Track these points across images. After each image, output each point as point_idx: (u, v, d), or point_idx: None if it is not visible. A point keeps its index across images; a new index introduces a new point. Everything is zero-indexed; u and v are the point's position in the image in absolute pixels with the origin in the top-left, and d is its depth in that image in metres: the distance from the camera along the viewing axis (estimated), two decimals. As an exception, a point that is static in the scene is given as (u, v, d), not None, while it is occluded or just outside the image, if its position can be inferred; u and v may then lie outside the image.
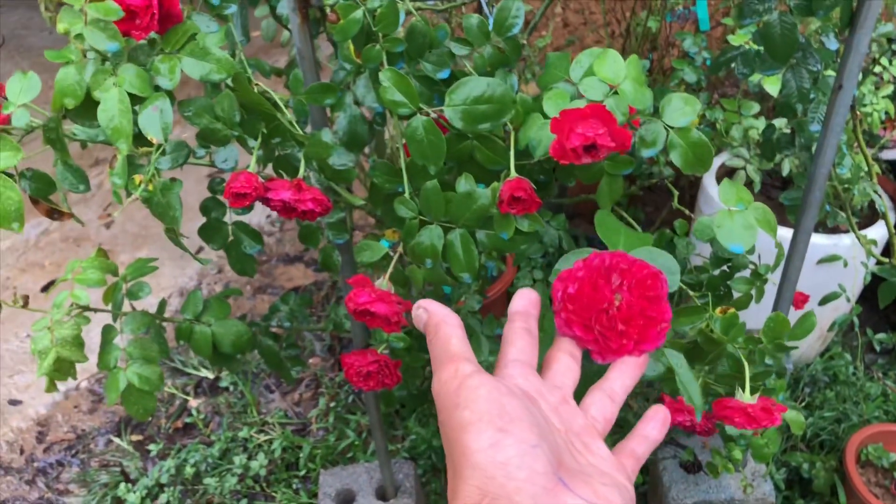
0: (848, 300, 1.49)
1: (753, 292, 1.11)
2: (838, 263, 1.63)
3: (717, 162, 1.87)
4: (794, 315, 1.22)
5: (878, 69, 1.45)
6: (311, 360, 2.08)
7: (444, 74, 0.77)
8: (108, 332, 1.07)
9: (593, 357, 0.50)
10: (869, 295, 1.48)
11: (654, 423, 0.50)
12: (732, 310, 0.89)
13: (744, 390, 0.85)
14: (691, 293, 1.02)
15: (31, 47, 3.87)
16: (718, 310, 0.89)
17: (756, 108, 1.62)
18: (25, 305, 1.00)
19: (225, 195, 0.68)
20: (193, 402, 2.01)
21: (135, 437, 1.95)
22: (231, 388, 2.02)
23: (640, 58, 1.80)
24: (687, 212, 1.17)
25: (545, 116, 0.73)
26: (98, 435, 1.97)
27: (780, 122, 1.32)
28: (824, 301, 1.44)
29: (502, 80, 0.77)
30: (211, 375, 2.06)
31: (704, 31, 1.91)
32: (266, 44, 3.20)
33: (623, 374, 0.50)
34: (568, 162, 0.67)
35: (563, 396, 0.47)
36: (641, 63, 1.71)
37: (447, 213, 0.73)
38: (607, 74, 0.73)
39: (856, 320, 1.57)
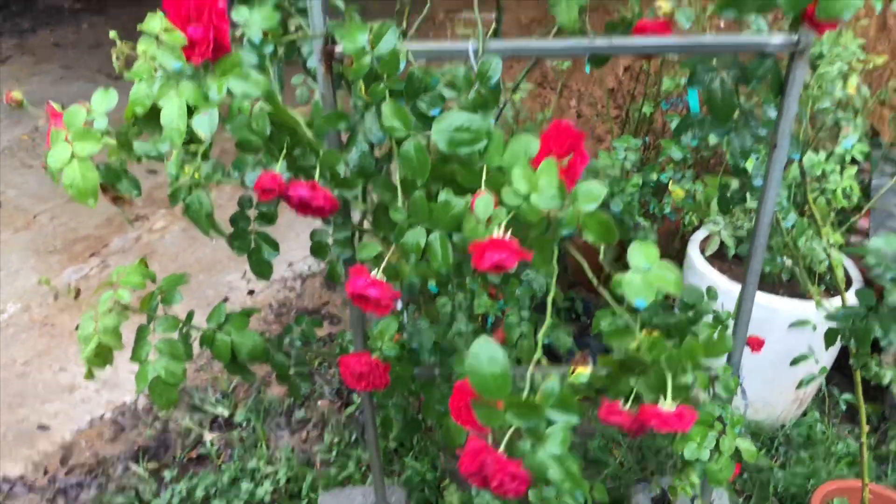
0: (816, 362, 1.62)
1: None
2: (810, 328, 1.76)
3: (703, 233, 2.03)
4: (763, 365, 1.37)
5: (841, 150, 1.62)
6: (319, 402, 2.22)
7: (435, 112, 0.96)
8: (142, 330, 1.23)
9: None
10: (845, 362, 1.59)
11: None
12: (657, 332, 1.02)
13: (665, 399, 0.98)
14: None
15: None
16: (644, 331, 1.02)
17: (736, 184, 1.79)
18: (77, 297, 1.17)
19: (255, 188, 0.86)
20: (208, 436, 2.15)
21: (151, 465, 2.09)
22: (244, 423, 2.16)
23: (635, 137, 1.99)
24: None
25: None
26: (117, 461, 2.11)
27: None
28: (795, 362, 1.58)
29: (482, 119, 0.95)
30: (226, 413, 2.21)
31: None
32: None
33: None
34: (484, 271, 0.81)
35: None
36: (632, 142, 1.88)
37: (430, 218, 0.91)
38: (520, 188, 0.83)
39: (824, 383, 1.69)
